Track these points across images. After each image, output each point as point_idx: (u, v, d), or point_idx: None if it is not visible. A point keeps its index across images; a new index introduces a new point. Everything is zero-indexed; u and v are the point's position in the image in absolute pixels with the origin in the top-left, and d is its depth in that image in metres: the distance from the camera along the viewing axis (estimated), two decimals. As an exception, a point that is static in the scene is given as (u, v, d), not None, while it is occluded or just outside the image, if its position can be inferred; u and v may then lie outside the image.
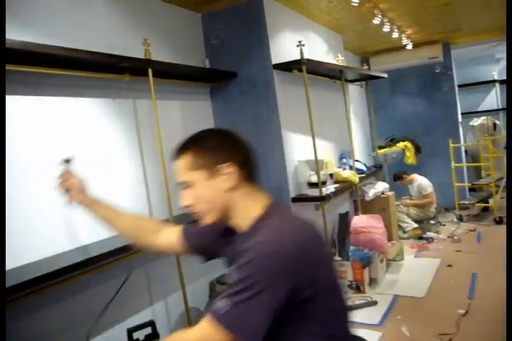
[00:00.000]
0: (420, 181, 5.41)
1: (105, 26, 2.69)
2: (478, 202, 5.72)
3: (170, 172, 2.80)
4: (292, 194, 3.38)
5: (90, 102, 2.56)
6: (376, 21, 4.09)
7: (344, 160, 4.27)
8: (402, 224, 5.20)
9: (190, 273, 3.09)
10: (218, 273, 3.13)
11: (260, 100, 3.37)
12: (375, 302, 3.44)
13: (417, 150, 6.06)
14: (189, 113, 3.36)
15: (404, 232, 5.18)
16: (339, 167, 4.18)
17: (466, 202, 5.69)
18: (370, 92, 6.55)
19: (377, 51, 6.30)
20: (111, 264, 2.30)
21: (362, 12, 4.08)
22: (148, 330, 2.26)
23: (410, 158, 5.93)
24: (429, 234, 5.07)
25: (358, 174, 4.21)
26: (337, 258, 3.77)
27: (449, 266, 4.13)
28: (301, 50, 3.20)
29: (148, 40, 2.69)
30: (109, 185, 2.57)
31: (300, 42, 3.21)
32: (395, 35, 4.84)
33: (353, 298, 3.55)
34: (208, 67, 3.42)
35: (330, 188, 3.44)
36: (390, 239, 4.51)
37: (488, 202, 6.05)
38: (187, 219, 2.85)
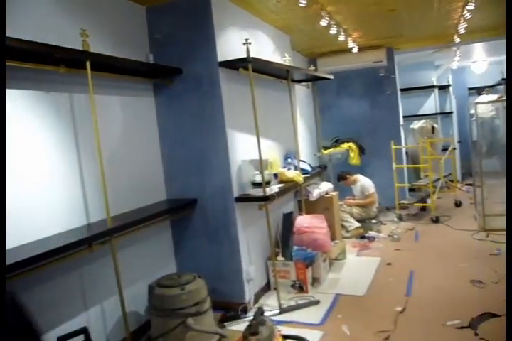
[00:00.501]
0: (363, 182, 5.53)
1: (40, 14, 2.52)
2: (416, 202, 5.94)
3: (108, 170, 2.70)
4: (236, 193, 3.33)
5: (20, 95, 2.39)
6: (323, 23, 4.12)
7: (289, 160, 4.28)
8: (345, 224, 5.30)
9: (128, 276, 2.98)
10: (158, 275, 3.03)
11: (205, 98, 3.30)
12: (317, 302, 3.46)
13: (361, 151, 6.20)
14: (131, 109, 3.24)
15: (347, 231, 5.28)
16: (284, 167, 4.19)
17: (406, 202, 5.90)
18: (317, 93, 6.65)
19: (324, 53, 6.38)
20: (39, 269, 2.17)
21: (309, 13, 4.09)
22: (80, 338, 2.14)
23: (354, 158, 6.06)
24: (371, 233, 5.19)
25: (303, 174, 4.23)
26: (280, 258, 3.77)
27: (389, 264, 4.25)
28: (247, 48, 3.15)
29: (87, 30, 2.54)
30: (38, 185, 2.42)
31: (246, 40, 3.16)
32: (342, 38, 4.91)
33: (295, 298, 3.57)
34: (152, 62, 3.31)
35: (274, 188, 3.43)
36: (333, 238, 4.56)
37: (425, 202, 6.30)
38: (124, 220, 2.76)
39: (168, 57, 3.35)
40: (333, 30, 4.47)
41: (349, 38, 5.34)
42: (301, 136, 5.22)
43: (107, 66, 2.83)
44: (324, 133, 6.64)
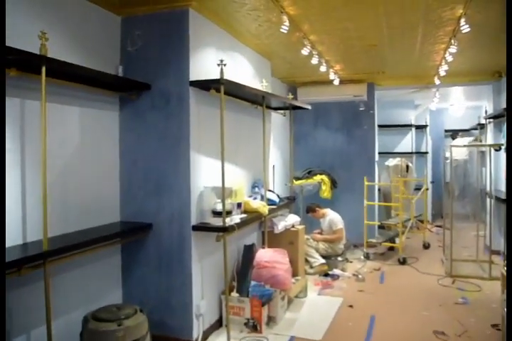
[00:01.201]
0: (332, 216, 5.37)
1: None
2: (385, 242, 5.79)
3: (58, 185, 2.46)
4: (194, 221, 3.10)
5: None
6: (305, 52, 4.03)
7: (256, 189, 4.09)
8: (309, 259, 5.10)
9: (65, 303, 2.69)
10: (102, 303, 2.75)
11: (172, 117, 3.11)
12: (269, 345, 3.22)
13: (333, 184, 6.07)
14: (91, 122, 3.01)
15: (311, 267, 5.07)
16: (250, 196, 3.99)
17: (374, 241, 5.74)
18: (293, 122, 6.53)
19: (305, 82, 6.33)
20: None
21: (291, 40, 4.00)
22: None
23: (325, 191, 5.93)
24: (335, 271, 4.99)
25: (269, 205, 4.04)
26: (235, 293, 3.52)
27: (350, 306, 4.04)
28: (221, 69, 3.00)
29: (47, 34, 2.34)
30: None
31: (221, 61, 3.01)
32: (323, 68, 4.84)
33: (247, 338, 3.31)
34: (120, 74, 3.11)
35: (235, 219, 3.22)
36: (295, 274, 4.35)
37: (394, 242, 6.16)
38: (66, 242, 2.50)
39: (139, 71, 3.16)
40: (314, 60, 4.38)
41: (331, 70, 5.28)
42: (272, 165, 5.07)
43: (68, 74, 2.63)
44: (298, 163, 6.49)
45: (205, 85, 3.10)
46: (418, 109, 8.30)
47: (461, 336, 3.37)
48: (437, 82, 5.65)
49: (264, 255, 3.74)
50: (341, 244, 5.31)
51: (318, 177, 5.92)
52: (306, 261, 5.09)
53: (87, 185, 2.95)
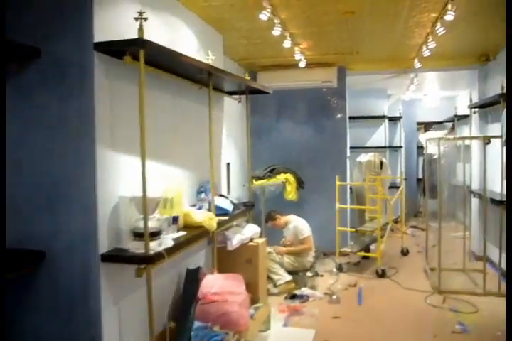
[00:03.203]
0: (297, 223, 4.51)
1: None
2: (360, 251, 4.98)
3: None
4: (104, 248, 2.15)
5: None
6: (263, 16, 3.12)
7: (203, 195, 3.16)
8: (273, 276, 4.23)
9: None
10: None
11: (70, 97, 2.12)
12: None
13: (299, 184, 5.22)
14: None
15: (276, 286, 4.21)
16: (194, 205, 3.07)
17: (348, 250, 4.92)
18: (252, 111, 5.62)
19: (266, 66, 5.44)
20: None
21: (247, 3, 3.10)
22: None
23: (291, 193, 5.06)
24: (304, 291, 4.14)
25: (220, 215, 3.13)
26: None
27: (325, 342, 3.19)
28: (140, 25, 2.05)
29: None
30: None
31: (141, 14, 2.06)
32: (287, 44, 3.96)
33: None
34: (-1, 35, 2.12)
35: (166, 241, 2.28)
36: (254, 300, 3.46)
37: (369, 250, 5.38)
38: None
39: (23, 29, 2.17)
40: (276, 31, 3.49)
41: (296, 49, 4.40)
42: (226, 163, 4.16)
43: None
44: (259, 160, 5.59)
45: (116, 49, 2.12)
46: (391, 99, 7.57)
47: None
48: (418, 65, 4.88)
49: (213, 284, 2.82)
50: (310, 256, 4.47)
51: (282, 177, 5.04)
52: (269, 278, 4.22)
53: None
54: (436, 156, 4.45)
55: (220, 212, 3.24)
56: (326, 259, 5.36)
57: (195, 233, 2.68)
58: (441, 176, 4.43)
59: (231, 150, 4.96)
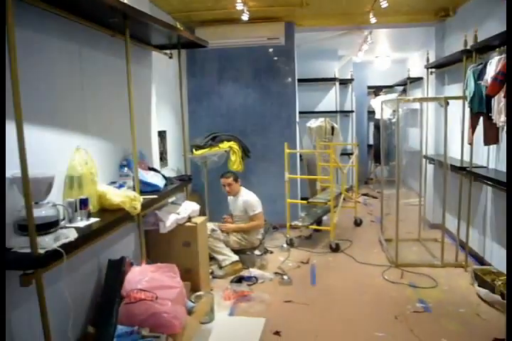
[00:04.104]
0: (247, 197, 4.05)
1: None
2: (312, 224, 4.61)
3: None
4: (-25, 248, 1.58)
5: None
6: None
7: (126, 170, 2.60)
8: (217, 257, 3.79)
9: None
10: None
11: None
12: None
13: (245, 153, 4.73)
14: None
15: (221, 267, 3.77)
16: (114, 182, 2.51)
17: (299, 224, 4.54)
18: (188, 72, 5.03)
19: (205, 21, 4.80)
20: None
21: None
22: None
23: (235, 162, 4.57)
24: (253, 272, 3.73)
25: (149, 193, 2.61)
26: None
27: (277, 333, 2.80)
28: None
29: None
30: None
31: None
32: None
33: None
34: None
35: (69, 233, 1.73)
36: (195, 288, 3.02)
37: (321, 222, 5.06)
38: None
39: None
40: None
41: (237, -3, 3.80)
42: (157, 131, 3.59)
43: None
44: (200, 127, 5.06)
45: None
46: (341, 61, 7.12)
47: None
48: (373, 20, 4.42)
49: (140, 278, 2.32)
50: (259, 233, 4.05)
51: (225, 145, 4.53)
52: (212, 259, 3.78)
53: None
54: (394, 120, 4.07)
55: (150, 188, 2.72)
56: (276, 233, 4.99)
57: (112, 218, 2.15)
58: (400, 141, 4.06)
59: (167, 116, 4.37)
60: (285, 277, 3.62)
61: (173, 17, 4.54)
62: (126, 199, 2.22)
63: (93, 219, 2.04)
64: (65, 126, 2.17)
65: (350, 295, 3.37)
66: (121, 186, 2.47)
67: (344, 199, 5.18)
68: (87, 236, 1.87)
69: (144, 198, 2.46)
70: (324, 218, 5.12)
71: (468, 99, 3.33)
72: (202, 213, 4.92)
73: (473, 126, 3.37)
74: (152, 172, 2.87)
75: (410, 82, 6.89)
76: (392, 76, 8.09)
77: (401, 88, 8.22)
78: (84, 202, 2.00)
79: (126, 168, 2.59)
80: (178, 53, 3.34)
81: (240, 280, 3.57)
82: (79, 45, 2.31)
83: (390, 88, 8.15)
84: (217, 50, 4.95)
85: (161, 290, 2.29)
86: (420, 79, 6.62)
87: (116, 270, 2.37)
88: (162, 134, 4.28)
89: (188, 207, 3.15)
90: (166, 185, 2.97)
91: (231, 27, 4.79)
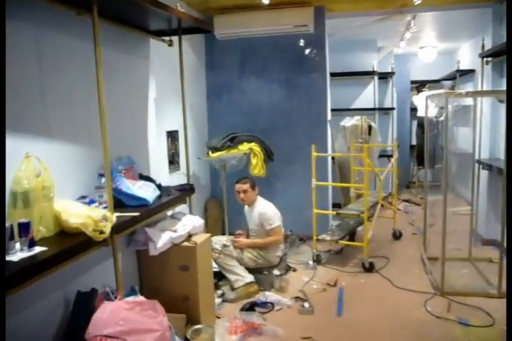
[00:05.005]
0: (264, 208, 3.50)
1: None
2: (343, 238, 4.00)
3: None
4: None
5: None
6: None
7: (103, 180, 2.12)
8: (229, 276, 3.28)
9: None
10: None
11: None
12: None
13: (268, 156, 4.20)
14: None
15: (233, 289, 3.26)
16: (83, 197, 2.03)
17: (328, 238, 3.95)
18: (211, 68, 4.53)
19: (224, 8, 4.26)
20: None
21: None
22: None
23: (257, 167, 4.03)
24: (269, 296, 3.19)
25: (133, 208, 2.12)
26: None
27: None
28: None
29: None
30: None
31: None
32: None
33: None
34: None
35: None
36: (195, 320, 2.53)
37: (355, 235, 4.45)
38: None
39: None
40: None
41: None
42: (166, 131, 3.12)
43: None
44: (220, 126, 4.57)
45: None
46: (381, 53, 6.44)
47: None
48: (417, 1, 3.77)
49: (109, 318, 1.83)
50: (278, 249, 3.50)
51: (245, 147, 4.01)
52: (223, 278, 3.29)
53: None
54: (441, 118, 3.42)
55: (135, 202, 2.25)
56: (303, 246, 4.43)
57: (69, 245, 1.67)
58: (448, 142, 3.41)
59: (179, 114, 3.89)
60: (306, 305, 3.05)
61: (190, 6, 4.05)
62: (88, 221, 1.74)
63: (38, 249, 1.57)
64: (16, 127, 1.72)
65: (384, 332, 2.77)
66: (91, 202, 1.99)
67: (382, 206, 4.56)
68: (16, 277, 1.39)
69: (120, 216, 1.98)
70: (359, 228, 4.51)
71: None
72: (221, 223, 4.45)
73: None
74: (141, 182, 2.39)
75: (460, 76, 6.12)
76: (438, 69, 7.31)
77: (449, 83, 7.43)
78: (23, 227, 1.53)
79: (103, 179, 2.11)
80: (179, 40, 2.83)
81: (252, 306, 3.03)
82: (35, 25, 1.84)
83: (436, 83, 7.37)
84: (238, 40, 4.43)
85: (136, 336, 1.80)
86: (472, 71, 5.86)
87: (82, 306, 1.90)
88: (173, 135, 3.80)
89: (189, 223, 2.65)
90: (160, 196, 2.48)
91: (253, 14, 4.23)
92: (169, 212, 2.77)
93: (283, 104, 4.52)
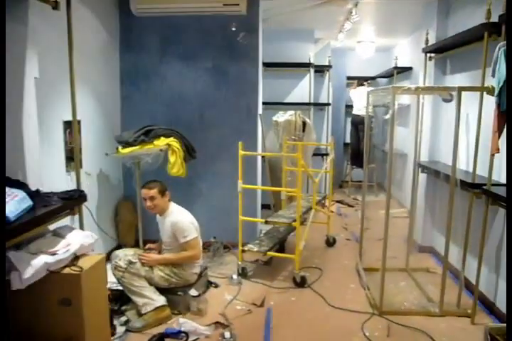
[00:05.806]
0: (176, 217, 2.92)
1: None
2: (271, 249, 3.53)
3: None
4: None
5: None
6: None
7: None
8: (136, 300, 2.70)
9: None
10: None
11: None
12: None
13: (189, 153, 3.63)
14: None
15: (140, 315, 2.69)
16: None
17: (255, 249, 3.47)
18: (127, 51, 3.88)
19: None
20: None
21: None
22: None
23: (175, 165, 3.45)
24: (183, 323, 2.65)
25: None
26: None
27: None
28: None
29: None
30: None
31: None
32: None
33: None
34: None
35: None
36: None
37: (285, 243, 4.02)
38: None
39: None
40: None
41: None
42: (62, 119, 2.48)
43: None
44: (132, 118, 3.95)
45: None
46: (318, 44, 6.06)
47: None
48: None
49: None
50: (196, 266, 2.96)
51: (162, 142, 3.41)
52: (129, 301, 2.71)
53: None
54: (387, 116, 3.04)
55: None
56: (228, 256, 3.94)
57: None
58: (387, 141, 3.07)
59: (84, 100, 3.23)
60: (227, 334, 2.55)
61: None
62: None
63: None
64: None
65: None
66: None
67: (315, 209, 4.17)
68: None
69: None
70: (291, 234, 4.09)
71: (497, 90, 2.32)
72: (134, 229, 3.82)
73: (500, 129, 2.37)
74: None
75: (397, 73, 5.90)
76: (375, 66, 7.11)
77: (385, 80, 7.25)
78: None
79: None
80: (67, 3, 2.19)
81: (161, 338, 2.49)
82: None
83: (372, 80, 7.15)
84: (159, 18, 3.85)
85: None
86: (409, 69, 5.65)
87: None
88: (65, 124, 3.09)
89: (76, 241, 2.05)
90: (33, 208, 1.86)
91: (177, -12, 3.65)
92: (52, 226, 2.15)
93: (209, 95, 3.98)
